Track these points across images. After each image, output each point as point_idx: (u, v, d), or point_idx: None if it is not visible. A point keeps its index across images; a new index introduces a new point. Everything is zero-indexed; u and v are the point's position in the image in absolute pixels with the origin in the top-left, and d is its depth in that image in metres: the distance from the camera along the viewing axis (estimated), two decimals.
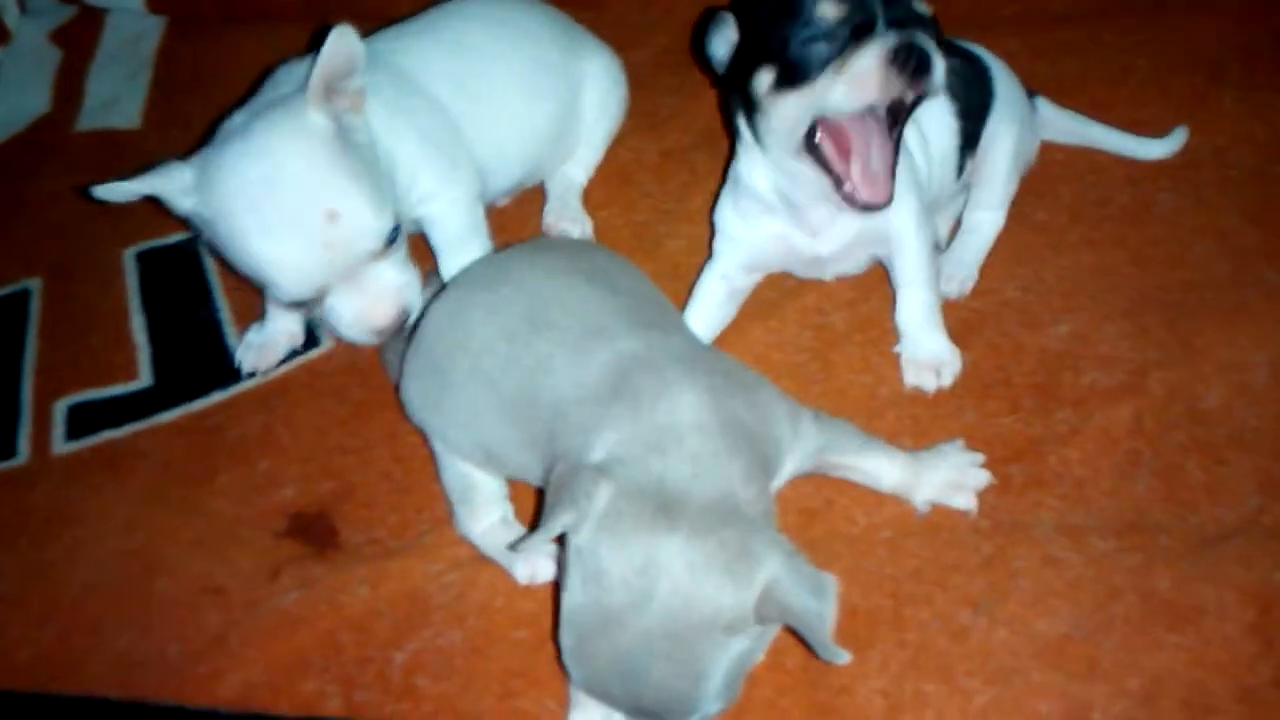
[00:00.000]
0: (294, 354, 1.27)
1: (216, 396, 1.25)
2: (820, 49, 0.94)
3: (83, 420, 1.25)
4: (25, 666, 1.00)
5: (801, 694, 0.87)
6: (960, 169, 1.21)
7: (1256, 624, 0.86)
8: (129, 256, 1.45)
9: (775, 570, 0.72)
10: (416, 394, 1.01)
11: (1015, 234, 1.25)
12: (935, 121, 1.15)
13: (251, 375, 1.26)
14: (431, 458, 1.06)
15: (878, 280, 1.25)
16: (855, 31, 0.93)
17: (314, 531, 1.09)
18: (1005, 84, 1.23)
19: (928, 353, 1.11)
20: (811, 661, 0.89)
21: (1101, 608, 0.88)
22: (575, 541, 0.75)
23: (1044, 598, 0.90)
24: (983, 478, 1.00)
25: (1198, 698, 0.82)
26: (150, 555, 1.07)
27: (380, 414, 1.18)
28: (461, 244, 1.19)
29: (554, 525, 0.74)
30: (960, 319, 1.18)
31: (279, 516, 1.10)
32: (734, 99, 1.07)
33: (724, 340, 1.19)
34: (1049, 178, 1.31)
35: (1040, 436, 1.05)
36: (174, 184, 1.02)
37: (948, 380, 1.10)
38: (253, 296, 1.28)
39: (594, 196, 1.40)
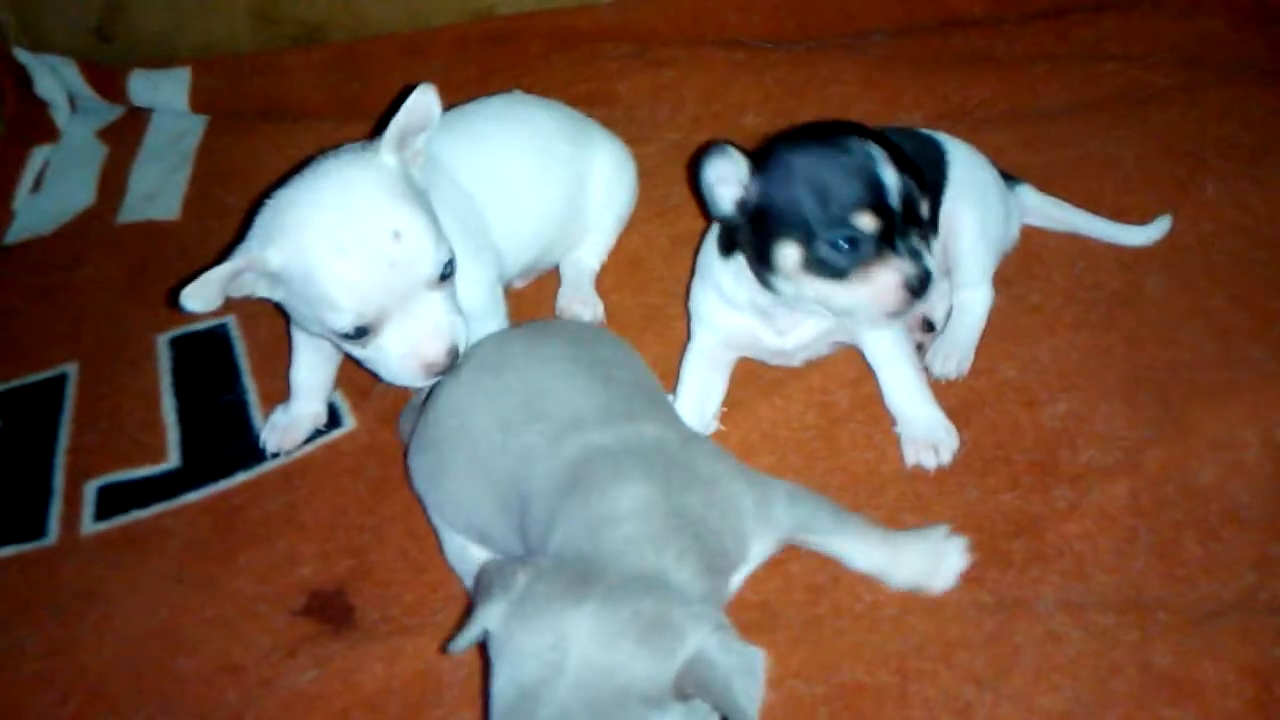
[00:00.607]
0: (317, 434, 1.29)
1: (241, 477, 1.26)
2: (852, 254, 1.01)
3: (112, 500, 1.26)
4: None
5: None
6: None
7: (1257, 699, 0.84)
8: (162, 342, 1.48)
9: (698, 644, 0.71)
10: (420, 467, 1.03)
11: (1011, 316, 1.27)
12: None
13: (275, 455, 1.27)
14: None
15: None
16: (879, 243, 1.00)
17: (331, 609, 1.09)
18: (964, 166, 1.26)
19: (925, 430, 1.12)
20: None
21: (1102, 683, 0.87)
22: (492, 631, 0.75)
23: (1046, 673, 0.89)
24: (960, 563, 0.99)
25: None
26: (171, 633, 1.08)
27: (397, 492, 1.19)
28: (480, 321, 1.21)
29: (477, 619, 0.75)
30: (959, 398, 1.18)
31: (297, 594, 1.10)
32: (740, 237, 1.10)
33: (731, 418, 1.20)
34: (1043, 262, 1.33)
35: (1040, 513, 1.04)
36: (247, 255, 1.04)
37: (946, 458, 1.11)
38: (279, 381, 1.30)
39: (607, 280, 1.43)
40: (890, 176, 1.00)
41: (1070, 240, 1.35)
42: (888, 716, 0.88)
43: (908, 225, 1.02)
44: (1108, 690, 0.87)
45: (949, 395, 1.19)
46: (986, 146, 1.32)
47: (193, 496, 1.25)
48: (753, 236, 1.07)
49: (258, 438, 1.30)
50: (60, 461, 1.32)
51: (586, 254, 1.44)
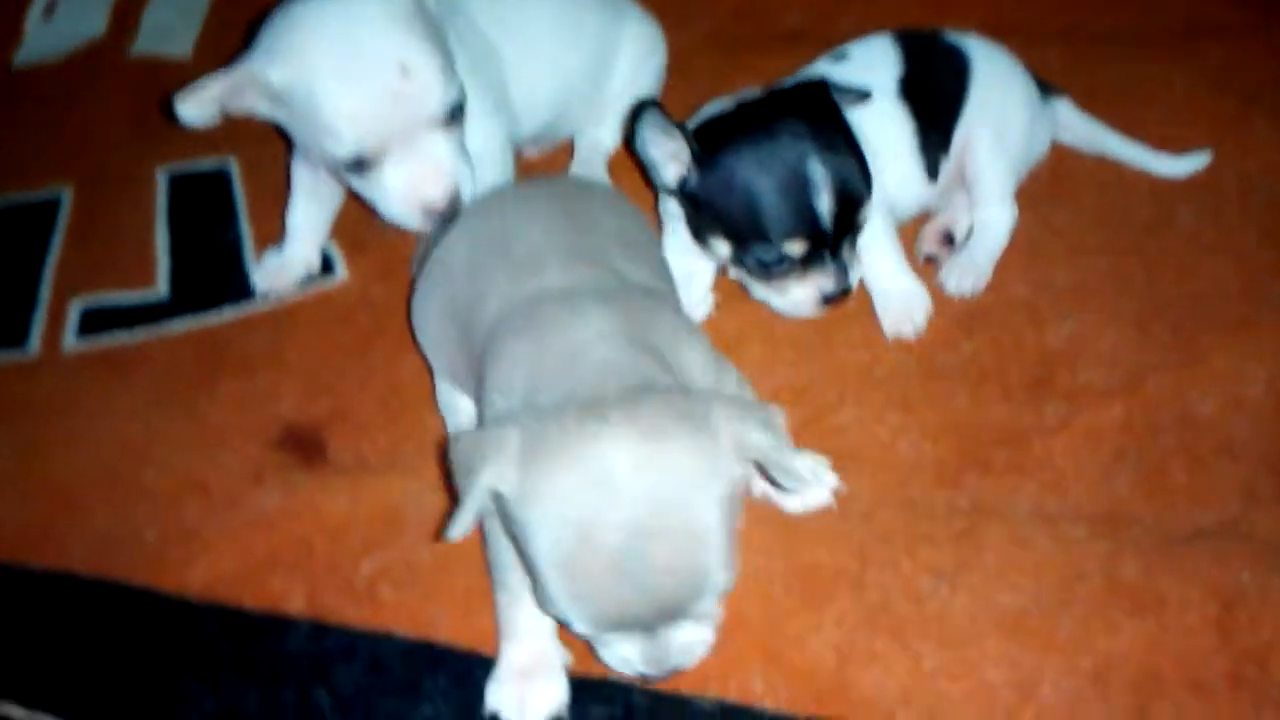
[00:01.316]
0: (309, 281, 1.30)
1: (228, 312, 1.29)
2: (777, 269, 1.08)
3: (96, 321, 1.29)
4: (7, 537, 1.03)
5: (754, 639, 0.89)
6: (932, 170, 1.24)
7: (1218, 619, 0.86)
8: (162, 176, 1.49)
9: (724, 411, 0.73)
10: (416, 303, 1.06)
11: (1033, 236, 1.26)
12: (881, 124, 1.18)
13: (265, 296, 1.29)
14: (429, 390, 1.09)
15: None
16: (805, 260, 1.07)
17: (304, 444, 1.12)
18: (987, 80, 1.25)
19: (901, 299, 1.16)
20: (770, 609, 0.91)
21: (1065, 587, 0.89)
22: (506, 496, 0.73)
23: (1008, 573, 0.91)
24: (821, 498, 1.00)
25: (1148, 682, 0.83)
26: (142, 450, 1.11)
27: (385, 344, 1.21)
28: (487, 171, 1.21)
29: (475, 492, 0.73)
30: (966, 310, 1.19)
31: (272, 427, 1.13)
32: (679, 203, 1.13)
33: (728, 308, 1.22)
34: (1073, 184, 1.33)
35: (1028, 426, 1.06)
36: (248, 69, 1.04)
37: (921, 318, 1.15)
38: (277, 226, 1.31)
39: (621, 162, 1.43)
40: (825, 202, 1.04)
41: (1104, 164, 1.34)
42: (841, 595, 0.91)
43: (840, 238, 1.07)
44: (1068, 594, 0.89)
45: (956, 307, 1.20)
46: (1033, 62, 1.31)
47: (177, 325, 1.27)
48: (691, 213, 1.12)
49: (248, 277, 1.32)
50: (48, 276, 1.35)
51: (604, 133, 1.44)
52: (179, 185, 1.48)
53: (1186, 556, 0.91)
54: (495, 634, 0.89)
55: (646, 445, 0.71)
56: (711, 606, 0.75)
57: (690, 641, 0.78)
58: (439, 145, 1.08)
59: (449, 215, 1.09)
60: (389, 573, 0.97)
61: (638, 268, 0.98)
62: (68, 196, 1.48)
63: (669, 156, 1.07)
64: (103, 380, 1.21)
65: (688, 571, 0.71)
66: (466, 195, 1.10)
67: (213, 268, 1.35)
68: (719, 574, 0.72)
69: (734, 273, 1.14)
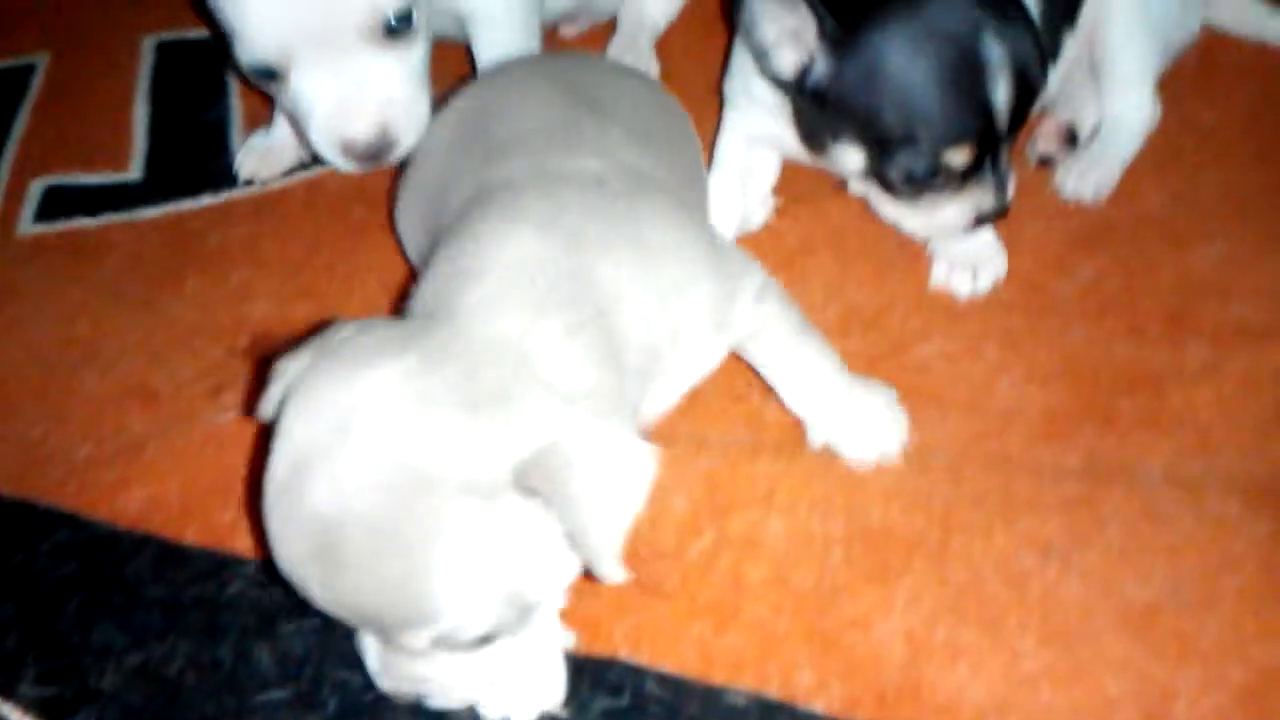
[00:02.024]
0: (298, 169, 1.16)
1: (206, 199, 1.15)
2: (929, 184, 0.86)
3: (57, 203, 1.17)
4: None
5: (804, 619, 0.72)
6: (1052, 48, 1.03)
7: None
8: (148, 44, 1.37)
9: (554, 428, 0.55)
10: (398, 191, 0.91)
11: (1172, 136, 1.07)
12: None
13: (249, 183, 1.16)
14: None
15: None
16: (965, 170, 0.85)
17: (274, 354, 0.97)
18: None
19: (969, 246, 0.95)
20: (825, 581, 0.74)
21: (1211, 578, 0.71)
22: (286, 393, 0.59)
23: (1135, 555, 0.73)
24: (895, 442, 0.82)
25: None
26: (88, 348, 0.98)
27: (378, 242, 1.06)
28: (504, 44, 1.04)
29: (277, 374, 0.61)
30: (1086, 223, 1.00)
31: (241, 332, 1.00)
32: (793, 100, 0.89)
33: (791, 214, 1.05)
34: (1224, 76, 1.13)
35: (1164, 370, 0.87)
36: None
37: (985, 284, 0.95)
38: (268, 104, 1.17)
39: (672, 43, 1.25)
40: (1003, 90, 0.81)
41: (1264, 53, 1.13)
42: (918, 570, 0.74)
43: (1005, 140, 0.86)
44: (1216, 586, 0.71)
45: (1073, 220, 1.01)
46: None
47: (148, 213, 1.14)
48: (811, 113, 0.88)
49: (232, 161, 1.17)
50: (10, 151, 1.23)
51: (652, 6, 1.26)
52: (166, 55, 1.36)
53: None
54: None
55: (413, 413, 0.54)
56: (447, 642, 0.57)
57: (434, 679, 0.60)
58: (369, 68, 0.88)
59: (379, 159, 0.90)
60: None
61: (655, 165, 0.79)
62: (42, 64, 1.35)
63: (787, 36, 0.83)
64: (56, 268, 1.08)
65: (388, 586, 0.54)
66: (407, 138, 0.90)
67: (193, 149, 1.22)
68: (447, 609, 0.55)
69: (859, 186, 0.92)
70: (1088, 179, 1.01)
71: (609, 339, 0.64)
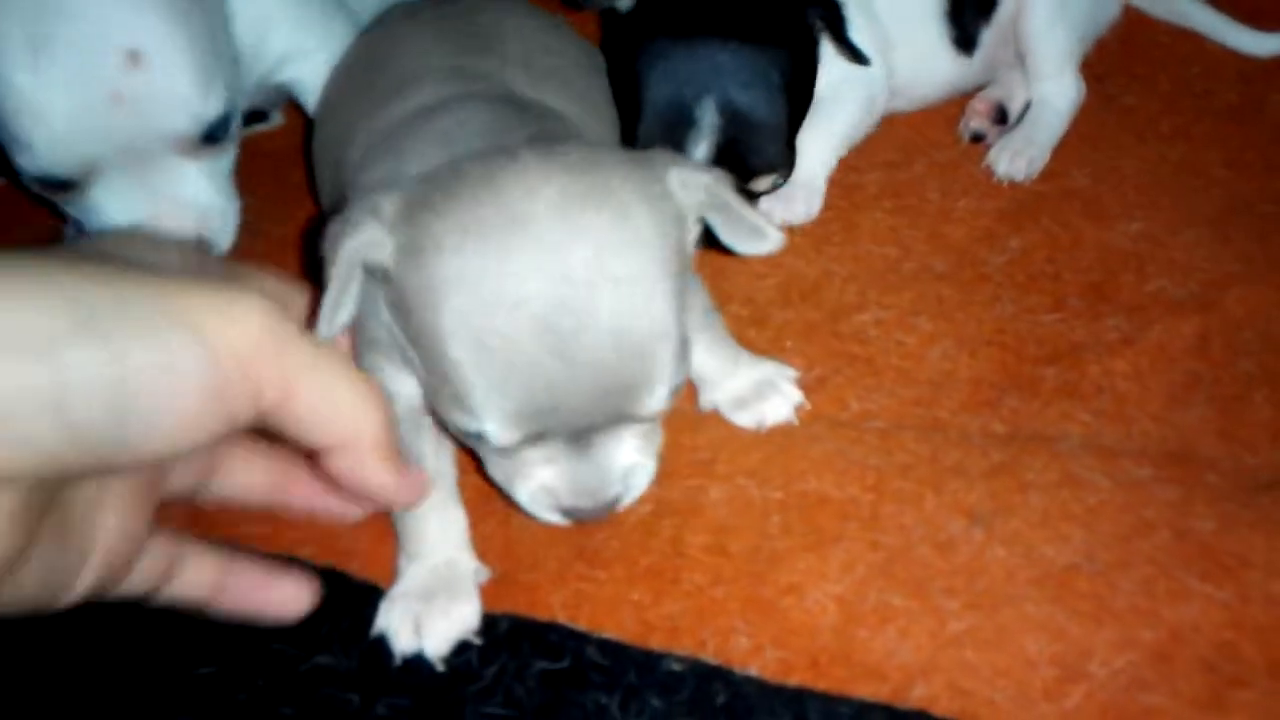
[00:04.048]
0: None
1: None
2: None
3: None
4: None
5: (742, 585, 0.72)
6: (965, 41, 1.04)
7: None
8: None
9: (666, 156, 0.58)
10: (310, 150, 0.89)
11: (1096, 116, 1.08)
12: None
13: None
14: None
15: (924, 144, 1.08)
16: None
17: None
18: None
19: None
20: (761, 549, 0.74)
21: (1125, 541, 0.73)
22: (387, 268, 0.55)
23: (1057, 520, 0.75)
24: (782, 411, 0.83)
25: (1224, 663, 0.67)
26: None
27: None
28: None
29: (341, 262, 0.54)
30: (1014, 200, 1.01)
31: None
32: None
33: None
34: (1148, 61, 1.14)
35: (1084, 341, 0.88)
36: None
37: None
38: None
39: None
40: (703, 150, 0.86)
41: (1184, 37, 1.14)
42: (850, 535, 0.74)
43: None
44: (1129, 550, 0.72)
45: (1003, 194, 1.02)
46: None
47: None
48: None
49: None
50: None
51: None
52: None
53: (1273, 509, 0.74)
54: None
55: (573, 178, 0.54)
56: (661, 404, 0.57)
57: (630, 464, 0.60)
58: (184, 179, 0.80)
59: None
60: None
61: (555, 98, 0.77)
62: None
63: None
64: None
65: (632, 341, 0.53)
66: (224, 243, 0.84)
67: None
68: (669, 356, 0.55)
69: None
70: (1019, 160, 1.02)
71: None
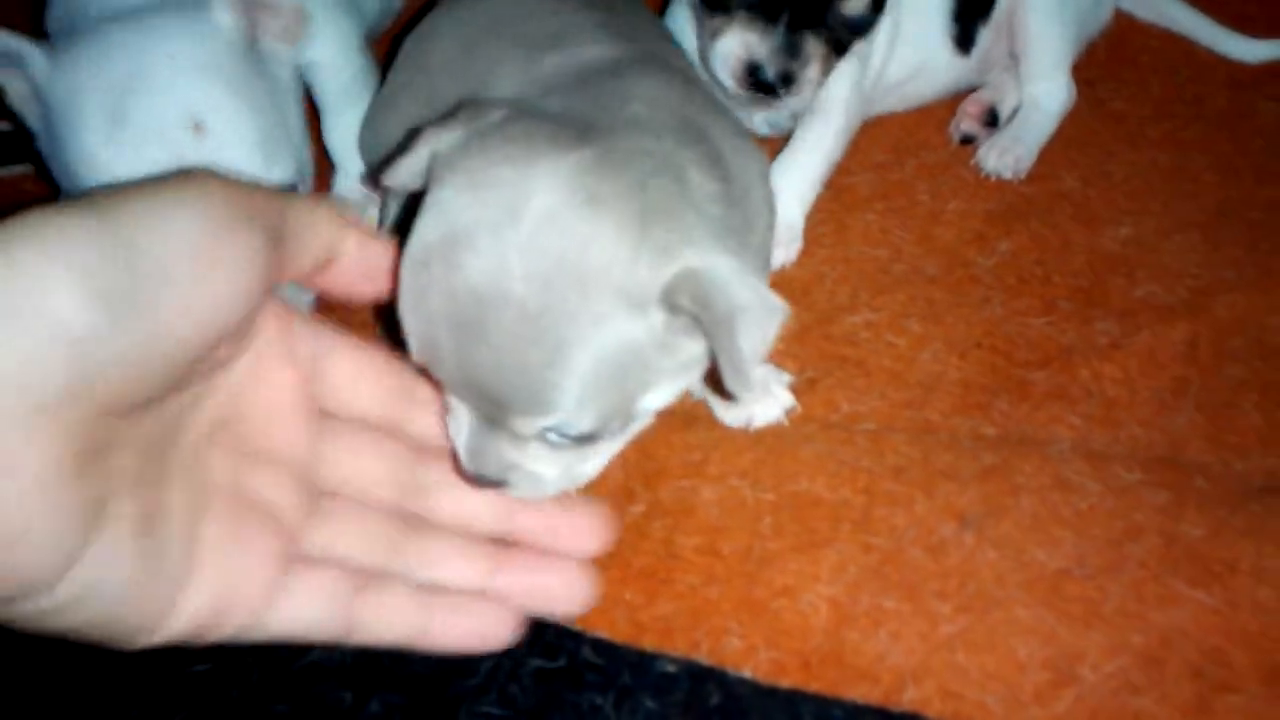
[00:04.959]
0: None
1: None
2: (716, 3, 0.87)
3: None
4: None
5: (734, 586, 0.71)
6: (965, 40, 1.03)
7: None
8: None
9: (712, 259, 0.52)
10: (371, 124, 0.88)
11: (1085, 120, 1.07)
12: None
13: None
14: None
15: (914, 145, 1.07)
16: (750, 8, 0.86)
17: None
18: None
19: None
20: (753, 550, 0.73)
21: (1115, 545, 0.72)
22: (439, 157, 0.54)
23: (1047, 524, 0.74)
24: (775, 412, 0.82)
25: (1214, 669, 0.66)
26: None
27: None
28: (352, 96, 0.97)
29: (423, 142, 0.54)
30: (1004, 201, 1.00)
31: None
32: None
33: None
34: (1137, 65, 1.12)
35: (1073, 345, 0.87)
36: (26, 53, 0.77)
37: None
38: None
39: None
40: None
41: (1174, 42, 1.13)
42: (843, 538, 0.73)
43: (806, 16, 0.85)
44: (1119, 554, 0.72)
45: (993, 196, 1.01)
46: None
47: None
48: None
49: None
50: None
51: None
52: None
53: (1261, 517, 0.74)
54: None
55: (585, 208, 0.51)
56: (553, 434, 0.54)
57: (523, 467, 0.56)
58: None
59: None
60: None
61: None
62: None
63: None
64: None
65: (519, 370, 0.51)
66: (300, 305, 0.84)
67: None
68: (566, 401, 0.52)
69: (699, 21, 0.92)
70: (1007, 157, 1.01)
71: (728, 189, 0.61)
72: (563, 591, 0.53)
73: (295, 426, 0.50)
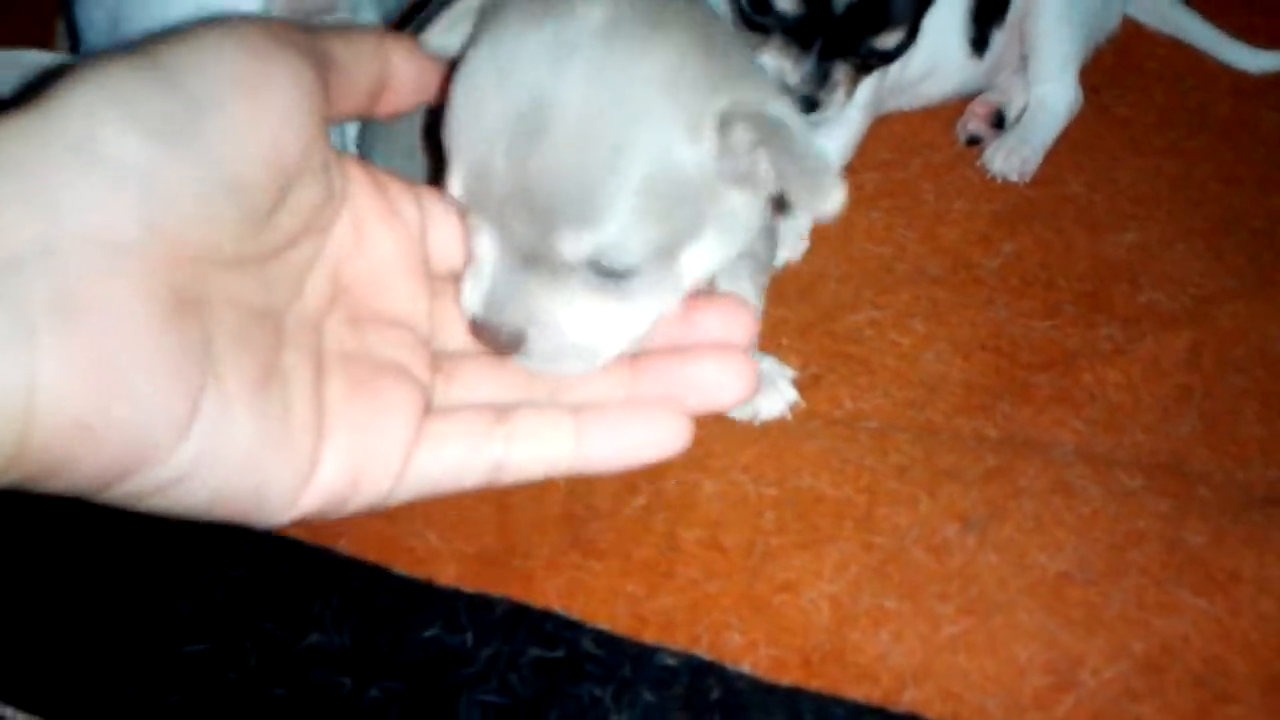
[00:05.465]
0: None
1: None
2: (758, 19, 0.86)
3: None
4: None
5: (736, 581, 0.70)
6: (980, 42, 1.02)
7: None
8: None
9: (767, 96, 0.50)
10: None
11: (1091, 125, 1.06)
12: None
13: None
14: None
15: (920, 144, 1.05)
16: (790, 29, 0.85)
17: None
18: None
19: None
20: (755, 545, 0.72)
21: (1117, 551, 0.71)
22: (489, 8, 0.52)
23: (1049, 527, 0.72)
24: (779, 406, 0.81)
25: (1214, 677, 0.65)
26: None
27: None
28: None
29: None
30: (1010, 205, 0.99)
31: None
32: None
33: None
34: (1143, 73, 1.11)
35: (1077, 349, 0.86)
36: None
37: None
38: None
39: None
40: None
41: (1180, 50, 1.12)
42: (845, 536, 0.72)
43: (841, 43, 0.84)
44: (1121, 560, 0.70)
45: (998, 198, 1.00)
46: None
47: None
48: None
49: None
50: None
51: None
52: None
53: (1263, 526, 0.72)
54: (406, 547, 0.70)
55: (643, 27, 0.50)
56: (584, 251, 0.50)
57: (547, 315, 0.51)
58: None
59: None
60: None
61: None
62: None
63: None
64: None
65: (576, 173, 0.49)
66: None
67: None
68: (615, 212, 0.49)
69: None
70: (1013, 159, 1.00)
71: None
72: (721, 377, 0.47)
73: (409, 289, 0.47)
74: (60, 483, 0.35)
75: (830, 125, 0.95)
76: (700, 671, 0.65)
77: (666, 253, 0.51)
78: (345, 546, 0.70)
